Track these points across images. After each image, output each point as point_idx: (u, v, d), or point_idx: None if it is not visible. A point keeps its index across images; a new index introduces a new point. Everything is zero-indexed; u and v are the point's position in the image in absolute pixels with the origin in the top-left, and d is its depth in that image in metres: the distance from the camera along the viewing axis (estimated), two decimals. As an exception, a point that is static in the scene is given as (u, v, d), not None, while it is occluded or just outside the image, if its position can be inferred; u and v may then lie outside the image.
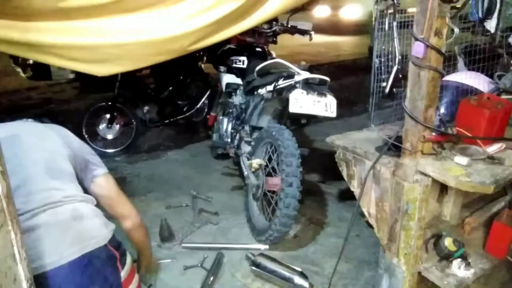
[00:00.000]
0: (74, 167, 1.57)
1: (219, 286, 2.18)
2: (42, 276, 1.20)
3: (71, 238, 1.30)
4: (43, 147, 1.51)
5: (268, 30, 3.32)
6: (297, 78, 2.41)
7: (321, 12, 11.13)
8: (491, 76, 2.16)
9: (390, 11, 1.92)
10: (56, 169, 1.47)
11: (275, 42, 3.46)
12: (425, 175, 1.53)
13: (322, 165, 3.43)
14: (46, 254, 1.23)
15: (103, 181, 1.67)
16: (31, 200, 1.31)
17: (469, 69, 2.30)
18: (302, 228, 2.71)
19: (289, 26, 3.34)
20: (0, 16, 1.88)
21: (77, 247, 1.29)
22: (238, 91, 3.24)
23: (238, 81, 3.24)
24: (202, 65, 4.27)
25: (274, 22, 3.31)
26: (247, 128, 2.97)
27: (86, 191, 1.62)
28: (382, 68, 2.95)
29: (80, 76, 3.49)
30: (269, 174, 2.55)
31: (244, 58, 3.20)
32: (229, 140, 3.15)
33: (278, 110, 2.87)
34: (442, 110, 1.90)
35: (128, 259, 1.53)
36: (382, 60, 2.93)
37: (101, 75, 2.32)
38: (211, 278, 2.17)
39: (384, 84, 2.94)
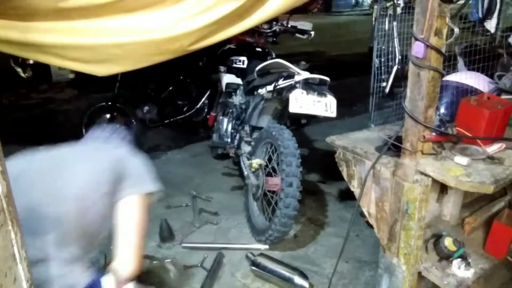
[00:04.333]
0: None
1: (219, 286, 2.18)
2: None
3: None
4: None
5: (268, 30, 3.33)
6: (297, 78, 2.41)
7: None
8: (491, 76, 2.16)
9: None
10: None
11: (276, 42, 3.46)
12: (425, 175, 1.53)
13: (322, 165, 3.43)
14: None
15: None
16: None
17: (469, 69, 2.30)
18: (302, 228, 2.71)
19: (289, 26, 3.34)
20: (0, 16, 1.89)
21: None
22: (238, 91, 3.24)
23: (238, 81, 3.24)
24: None
25: (274, 22, 3.31)
26: (247, 128, 2.96)
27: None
28: (382, 68, 2.96)
29: (80, 76, 3.49)
30: (269, 174, 2.55)
31: (244, 58, 3.20)
32: (229, 140, 3.15)
33: (278, 110, 2.87)
34: (442, 110, 1.90)
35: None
36: (382, 60, 2.94)
37: (101, 75, 2.33)
38: (211, 278, 2.17)
39: (384, 84, 2.95)
